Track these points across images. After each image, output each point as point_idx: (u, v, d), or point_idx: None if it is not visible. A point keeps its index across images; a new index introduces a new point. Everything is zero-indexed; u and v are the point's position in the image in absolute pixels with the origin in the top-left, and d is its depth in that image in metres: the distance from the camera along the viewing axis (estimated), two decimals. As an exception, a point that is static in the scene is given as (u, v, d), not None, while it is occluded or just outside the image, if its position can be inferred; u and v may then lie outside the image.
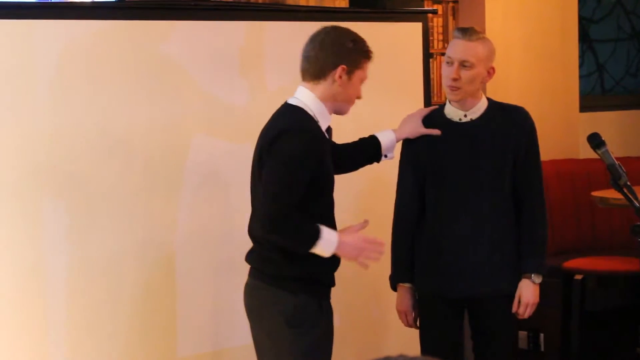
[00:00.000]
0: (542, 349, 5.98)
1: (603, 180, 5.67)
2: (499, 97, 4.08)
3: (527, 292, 3.93)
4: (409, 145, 4.05)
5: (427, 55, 4.89)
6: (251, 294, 3.64)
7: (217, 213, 4.17)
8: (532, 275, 3.94)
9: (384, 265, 4.20)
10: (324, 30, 3.61)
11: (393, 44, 4.69)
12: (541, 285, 3.98)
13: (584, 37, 7.52)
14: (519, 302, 3.94)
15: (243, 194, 3.70)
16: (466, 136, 3.94)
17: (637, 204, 3.55)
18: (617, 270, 5.76)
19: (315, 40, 3.60)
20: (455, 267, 3.94)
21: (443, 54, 6.57)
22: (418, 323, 4.09)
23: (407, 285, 4.07)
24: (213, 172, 4.22)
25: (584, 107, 6.99)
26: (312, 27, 4.56)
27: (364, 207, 4.72)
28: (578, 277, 5.68)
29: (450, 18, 6.65)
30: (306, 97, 3.58)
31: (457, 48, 3.88)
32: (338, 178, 3.81)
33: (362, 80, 3.63)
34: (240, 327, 3.71)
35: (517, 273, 3.95)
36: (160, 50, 4.14)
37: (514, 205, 3.96)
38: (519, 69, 6.46)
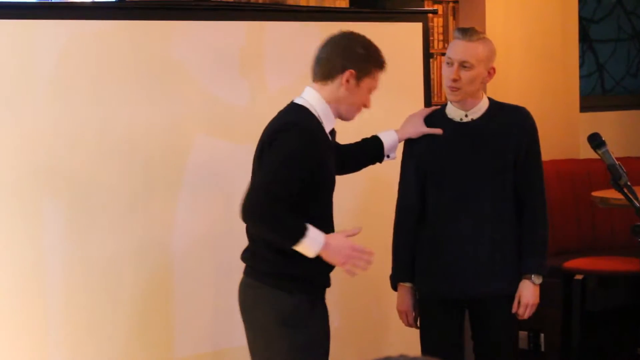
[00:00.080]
0: (543, 349, 5.98)
1: (603, 181, 5.67)
2: (499, 97, 4.08)
3: (527, 293, 3.93)
4: (411, 145, 4.05)
5: (428, 56, 4.89)
6: (245, 292, 3.63)
7: (217, 213, 4.17)
8: (533, 275, 3.94)
9: (385, 265, 4.20)
10: (339, 34, 3.61)
11: (393, 44, 4.68)
12: (541, 285, 3.98)
13: (585, 37, 7.52)
14: (519, 302, 3.94)
15: (243, 195, 3.69)
16: (467, 136, 3.94)
17: (638, 204, 3.55)
18: (617, 271, 5.76)
19: (329, 43, 3.60)
20: (455, 267, 3.94)
21: (443, 54, 6.57)
22: (418, 323, 4.09)
23: (407, 285, 4.07)
24: (213, 172, 4.21)
25: (585, 107, 6.99)
26: (312, 28, 4.58)
27: (364, 207, 4.72)
28: (578, 277, 5.68)
29: (451, 18, 6.65)
30: (312, 97, 3.58)
31: (457, 49, 3.89)
32: (339, 178, 3.81)
33: (370, 89, 3.61)
34: (239, 327, 3.71)
35: (518, 273, 3.95)
36: (160, 50, 4.14)
37: (514, 205, 3.96)
38: (519, 69, 6.45)
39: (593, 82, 7.70)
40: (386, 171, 4.25)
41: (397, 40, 4.75)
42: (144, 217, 4.09)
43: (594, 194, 5.73)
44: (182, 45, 4.18)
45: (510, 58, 6.30)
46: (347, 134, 3.97)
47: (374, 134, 4.02)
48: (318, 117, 3.56)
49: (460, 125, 3.97)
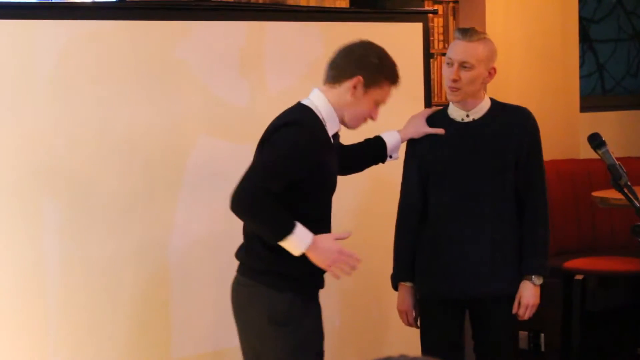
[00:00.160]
0: (543, 349, 5.98)
1: (603, 181, 5.67)
2: (499, 97, 4.08)
3: (527, 294, 3.93)
4: (413, 145, 4.06)
5: (428, 56, 4.89)
6: (238, 290, 3.64)
7: (217, 214, 4.16)
8: (533, 276, 3.94)
9: (385, 265, 4.20)
10: (358, 41, 3.61)
11: (393, 44, 4.67)
12: (541, 285, 3.98)
13: (585, 38, 7.52)
14: (519, 303, 3.94)
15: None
16: (468, 136, 3.95)
17: (638, 204, 3.55)
18: (617, 271, 5.76)
19: (345, 48, 3.60)
20: (456, 267, 3.94)
21: (443, 54, 6.59)
22: (419, 323, 4.09)
23: (408, 284, 4.07)
24: (213, 172, 4.21)
25: (585, 108, 6.99)
26: (312, 28, 4.58)
27: (366, 207, 4.72)
28: (578, 277, 5.68)
29: (451, 18, 6.66)
30: (318, 99, 3.58)
31: (457, 49, 3.89)
32: (341, 178, 3.82)
33: (378, 102, 3.59)
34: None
35: (518, 274, 3.95)
36: (160, 50, 4.14)
37: (516, 205, 3.96)
38: (519, 69, 6.46)
39: (593, 82, 7.70)
40: (388, 171, 4.25)
41: (397, 41, 4.74)
42: (144, 217, 4.09)
43: (594, 194, 5.73)
44: (182, 46, 4.18)
45: (510, 58, 6.30)
46: (350, 134, 3.97)
47: (376, 134, 4.02)
48: (322, 119, 3.55)
49: (462, 125, 3.97)
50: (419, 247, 4.04)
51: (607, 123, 7.20)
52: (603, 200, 5.58)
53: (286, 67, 4.45)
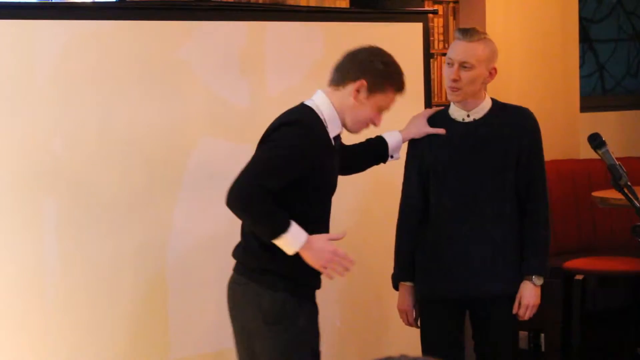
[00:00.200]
0: (543, 349, 5.99)
1: (603, 181, 5.68)
2: (499, 98, 4.08)
3: (528, 294, 3.93)
4: (414, 145, 4.07)
5: (428, 56, 4.89)
6: (232, 288, 3.64)
7: (217, 214, 4.16)
8: (533, 276, 3.94)
9: (386, 265, 4.20)
10: (366, 46, 3.61)
11: (393, 44, 4.67)
12: (542, 285, 3.98)
13: (585, 38, 7.52)
14: (520, 303, 3.94)
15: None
16: (469, 136, 3.95)
17: (638, 204, 3.55)
18: (617, 271, 5.76)
19: (352, 52, 3.60)
20: (456, 267, 3.94)
21: (444, 55, 6.59)
22: (419, 322, 4.09)
23: (408, 284, 4.07)
24: (214, 173, 4.21)
25: (585, 108, 7.00)
26: (313, 28, 4.58)
27: (367, 207, 4.72)
28: (579, 277, 5.68)
29: (451, 18, 6.65)
30: (321, 101, 3.58)
31: (457, 49, 3.89)
32: (342, 178, 3.82)
33: (381, 108, 3.58)
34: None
35: (519, 274, 3.95)
36: (160, 50, 4.14)
37: (516, 205, 3.96)
38: (519, 69, 6.46)
39: (593, 82, 7.70)
40: (389, 171, 4.25)
41: (398, 41, 4.74)
42: (144, 217, 4.09)
43: (594, 194, 5.73)
44: (182, 46, 4.18)
45: (511, 58, 6.30)
46: (351, 134, 3.97)
47: (377, 134, 4.02)
48: (323, 121, 3.55)
49: (463, 125, 3.97)
50: (419, 246, 4.04)
51: (607, 123, 7.20)
52: (603, 200, 5.58)
53: (286, 67, 4.45)
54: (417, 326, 4.10)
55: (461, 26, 5.40)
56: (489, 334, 4.00)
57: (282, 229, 3.42)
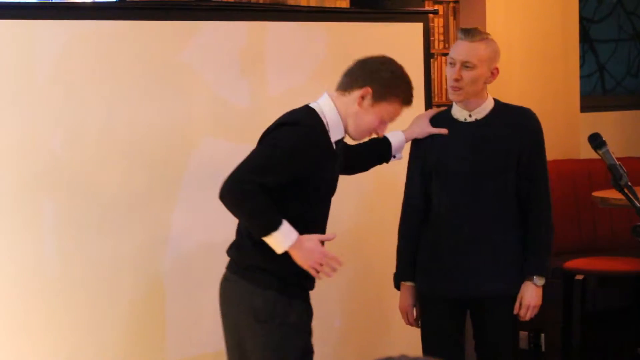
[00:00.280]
0: (543, 349, 5.99)
1: (604, 181, 5.68)
2: (500, 98, 4.08)
3: (529, 294, 3.93)
4: (417, 145, 4.08)
5: (428, 56, 4.89)
6: (224, 286, 3.64)
7: (218, 214, 4.16)
8: (535, 277, 3.94)
9: (386, 265, 4.20)
10: (377, 55, 3.60)
11: (394, 44, 4.69)
12: (543, 285, 3.97)
13: (585, 38, 7.53)
14: (521, 304, 3.94)
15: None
16: (470, 136, 3.95)
17: (638, 204, 3.55)
18: (617, 271, 5.76)
19: (361, 59, 3.60)
20: (457, 267, 3.94)
21: (444, 55, 6.61)
22: (420, 322, 4.10)
23: (409, 284, 4.08)
24: (214, 173, 4.20)
25: (585, 108, 7.00)
26: (313, 28, 4.58)
27: (369, 206, 4.72)
28: (579, 277, 5.68)
29: (451, 18, 6.65)
30: (325, 104, 3.58)
31: (459, 49, 3.90)
32: (345, 178, 3.82)
33: (384, 118, 3.57)
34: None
35: (520, 274, 3.95)
36: (160, 50, 4.14)
37: (518, 206, 3.96)
38: (519, 69, 6.46)
39: (593, 82, 7.71)
40: (391, 171, 4.25)
41: (398, 41, 4.75)
42: (144, 217, 4.09)
43: (595, 194, 5.73)
44: (183, 46, 4.18)
45: (511, 58, 6.30)
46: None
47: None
48: (326, 124, 3.55)
49: (464, 125, 3.98)
50: (420, 246, 4.04)
51: (608, 123, 7.21)
52: (603, 200, 5.58)
53: (287, 67, 4.45)
54: (417, 326, 4.10)
55: (462, 26, 5.40)
56: (489, 334, 4.00)
57: (273, 226, 3.42)
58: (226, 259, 3.69)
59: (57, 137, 3.89)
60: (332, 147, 3.57)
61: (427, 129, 4.04)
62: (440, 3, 6.62)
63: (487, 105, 3.98)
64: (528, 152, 3.95)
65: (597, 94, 7.70)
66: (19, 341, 3.85)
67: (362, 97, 3.54)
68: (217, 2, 4.55)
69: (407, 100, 3.59)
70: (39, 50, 3.86)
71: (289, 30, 4.49)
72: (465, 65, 3.87)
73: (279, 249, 3.46)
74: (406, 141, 4.07)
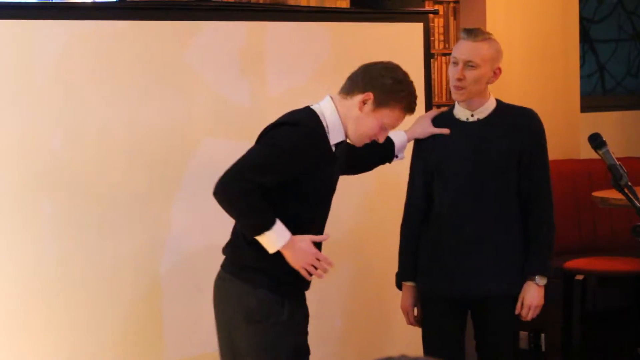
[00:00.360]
0: (543, 349, 5.99)
1: (604, 181, 5.68)
2: (500, 98, 4.08)
3: (531, 294, 3.93)
4: (419, 145, 4.09)
5: (428, 56, 4.89)
6: (217, 285, 3.65)
7: (217, 214, 4.16)
8: (537, 277, 3.94)
9: (387, 265, 4.20)
10: (382, 61, 3.59)
11: (394, 44, 4.69)
12: (544, 285, 3.97)
13: (585, 38, 7.53)
14: (522, 304, 3.94)
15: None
16: (472, 136, 3.95)
17: (638, 205, 3.55)
18: (618, 271, 5.76)
19: (366, 64, 3.59)
20: (458, 267, 3.94)
21: (444, 55, 6.61)
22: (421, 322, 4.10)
23: (410, 284, 4.08)
24: (214, 173, 4.20)
25: (585, 108, 7.00)
26: (313, 28, 4.58)
27: (371, 206, 4.72)
28: (579, 277, 5.68)
29: (451, 18, 6.66)
30: (327, 107, 3.57)
31: (462, 48, 3.90)
32: (348, 177, 3.81)
33: (384, 124, 3.55)
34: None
35: (521, 274, 3.95)
36: (160, 50, 4.14)
37: (519, 206, 3.96)
38: (520, 69, 6.46)
39: (594, 82, 7.71)
40: (393, 171, 4.26)
41: (398, 41, 4.75)
42: (144, 217, 4.09)
43: (595, 194, 5.73)
44: (183, 46, 4.18)
45: (511, 58, 6.30)
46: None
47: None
48: (325, 126, 3.55)
49: (467, 125, 3.98)
50: (422, 246, 4.05)
51: (608, 123, 7.21)
52: (603, 200, 5.58)
53: (287, 67, 4.45)
54: (419, 325, 4.10)
55: (462, 26, 5.40)
56: (490, 334, 4.00)
57: (266, 226, 3.43)
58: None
59: (57, 137, 3.89)
60: (331, 149, 3.57)
61: (429, 129, 4.04)
62: (440, 3, 6.62)
63: (490, 105, 3.98)
64: (530, 152, 3.95)
65: (597, 94, 7.70)
66: (19, 341, 3.85)
67: (364, 102, 3.53)
68: (217, 2, 4.55)
69: (409, 107, 3.58)
70: (39, 50, 3.86)
71: (288, 30, 4.49)
72: (468, 64, 3.88)
73: (271, 249, 3.46)
74: (408, 141, 4.07)
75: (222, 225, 3.63)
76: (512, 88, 6.24)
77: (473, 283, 3.94)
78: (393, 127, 3.61)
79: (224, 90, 4.28)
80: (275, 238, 3.45)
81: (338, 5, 6.03)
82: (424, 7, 6.30)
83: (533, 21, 6.59)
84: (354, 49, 4.50)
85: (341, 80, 3.62)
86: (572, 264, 5.76)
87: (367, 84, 3.53)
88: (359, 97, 3.53)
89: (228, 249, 3.64)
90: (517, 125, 3.96)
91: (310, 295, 3.71)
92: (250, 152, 3.50)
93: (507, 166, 3.93)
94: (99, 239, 3.98)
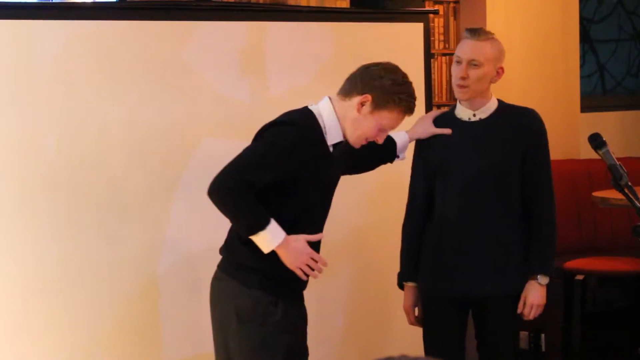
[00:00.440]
0: (543, 349, 5.99)
1: (604, 181, 5.68)
2: (500, 97, 4.08)
3: (533, 294, 3.93)
4: (421, 145, 4.09)
5: (429, 56, 4.89)
6: (213, 284, 3.65)
7: (217, 214, 4.16)
8: (539, 276, 3.94)
9: (389, 265, 4.20)
10: (381, 62, 3.57)
11: (394, 44, 4.69)
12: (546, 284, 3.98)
13: (585, 38, 7.53)
14: (524, 303, 3.94)
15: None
16: (474, 135, 3.96)
17: (638, 205, 3.55)
18: (618, 271, 5.76)
19: (365, 65, 3.58)
20: (460, 267, 3.94)
21: (444, 55, 6.61)
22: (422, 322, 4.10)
23: (412, 284, 4.08)
24: (214, 173, 4.20)
25: (585, 108, 7.00)
26: (313, 28, 4.58)
27: (372, 206, 4.72)
28: (579, 277, 5.68)
29: (452, 18, 6.66)
30: (325, 108, 3.56)
31: (466, 47, 3.91)
32: (349, 177, 3.80)
33: (384, 125, 3.54)
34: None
35: (523, 274, 3.95)
36: (160, 50, 4.14)
37: (521, 205, 3.96)
38: (520, 69, 6.46)
39: (594, 82, 7.71)
40: (395, 171, 4.26)
41: (398, 41, 4.75)
42: (144, 217, 4.09)
43: (595, 194, 5.73)
44: (183, 46, 4.18)
45: (511, 58, 6.29)
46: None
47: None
48: (323, 127, 3.54)
49: (468, 124, 3.98)
50: (423, 245, 4.05)
51: (608, 123, 7.21)
52: (604, 200, 5.58)
53: (287, 67, 4.45)
54: (420, 326, 4.10)
55: (462, 26, 5.40)
56: (490, 334, 4.00)
57: (261, 225, 3.42)
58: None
59: (57, 137, 3.89)
60: (328, 149, 3.56)
61: (430, 130, 4.05)
62: (440, 3, 6.62)
63: (491, 105, 3.99)
64: (532, 153, 3.95)
65: (597, 94, 7.70)
66: (19, 341, 3.85)
67: (362, 104, 3.52)
68: (217, 2, 4.55)
69: (408, 109, 3.56)
70: (39, 50, 3.86)
71: (289, 30, 4.49)
72: (472, 63, 3.89)
73: (266, 249, 3.46)
74: (410, 141, 4.07)
75: (221, 225, 3.62)
76: (512, 88, 6.24)
77: (474, 283, 3.94)
78: (392, 128, 3.60)
79: (224, 90, 4.28)
80: (269, 238, 3.44)
81: (338, 5, 6.03)
82: (424, 7, 6.30)
83: (533, 21, 6.59)
84: (354, 49, 4.50)
85: (341, 80, 3.61)
86: (572, 264, 5.76)
87: (365, 85, 3.52)
88: (357, 99, 3.52)
89: (224, 248, 3.64)
90: (519, 126, 3.97)
91: (310, 295, 3.71)
92: (246, 152, 3.50)
93: (509, 166, 3.94)
94: (98, 239, 3.98)
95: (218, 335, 3.64)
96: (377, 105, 3.51)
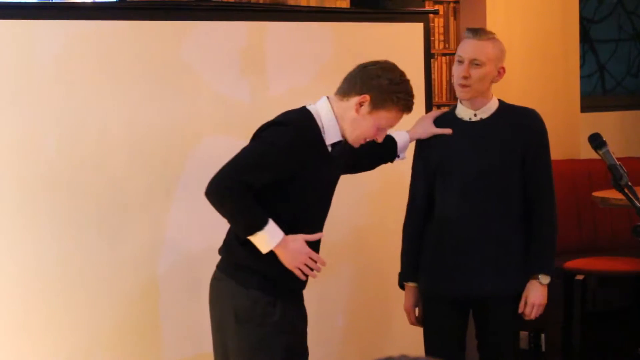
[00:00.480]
0: (543, 349, 5.99)
1: (604, 181, 5.68)
2: (500, 97, 4.08)
3: (534, 293, 3.93)
4: (421, 145, 4.09)
5: (429, 56, 4.90)
6: (212, 284, 3.65)
7: (217, 214, 4.17)
8: (540, 275, 3.94)
9: (389, 265, 4.20)
10: (379, 61, 3.56)
11: (394, 44, 4.69)
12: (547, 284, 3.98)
13: (585, 38, 7.53)
14: (526, 302, 3.94)
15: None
16: (475, 135, 3.96)
17: (638, 205, 3.55)
18: (618, 271, 5.76)
19: (362, 64, 3.57)
20: (460, 267, 3.95)
21: (444, 55, 6.61)
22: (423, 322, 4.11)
23: (413, 284, 4.08)
24: (213, 173, 4.21)
25: (585, 108, 7.00)
26: (313, 28, 4.58)
27: (373, 206, 4.72)
28: (579, 277, 5.68)
29: (452, 18, 6.66)
30: (323, 108, 3.56)
31: (468, 47, 3.92)
32: (350, 177, 3.80)
33: (382, 125, 3.54)
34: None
35: (524, 273, 3.95)
36: (160, 50, 4.14)
37: (522, 205, 3.96)
38: (520, 69, 6.46)
39: (594, 82, 7.71)
40: (395, 171, 4.26)
41: (398, 41, 4.75)
42: (144, 217, 4.09)
43: (595, 194, 5.73)
44: (183, 46, 4.18)
45: (511, 58, 6.28)
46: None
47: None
48: (321, 127, 3.54)
49: (469, 124, 3.98)
50: (424, 246, 4.05)
51: (608, 123, 7.21)
52: (604, 200, 5.58)
53: (287, 67, 4.45)
54: (420, 326, 4.10)
55: (462, 26, 5.40)
56: (491, 333, 4.00)
57: (259, 226, 3.42)
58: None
59: (57, 137, 3.89)
60: (326, 149, 3.55)
61: (431, 129, 4.05)
62: (440, 3, 6.62)
63: (492, 105, 3.99)
64: (532, 153, 3.95)
65: (597, 94, 7.70)
66: (19, 341, 3.85)
67: (360, 104, 3.51)
68: (217, 2, 4.55)
69: (406, 108, 3.55)
70: (39, 50, 3.86)
71: (289, 30, 4.49)
72: (473, 62, 3.89)
73: (264, 249, 3.46)
74: (410, 141, 4.07)
75: (221, 225, 3.62)
76: (512, 88, 6.24)
77: (474, 283, 3.94)
78: (390, 127, 3.60)
79: (224, 90, 4.28)
80: (267, 238, 3.44)
81: (338, 5, 6.03)
82: (424, 7, 6.30)
83: (533, 21, 6.59)
84: (354, 49, 4.49)
85: (341, 80, 3.61)
86: (573, 264, 5.76)
87: (363, 85, 3.51)
88: (355, 99, 3.52)
89: (223, 249, 3.64)
90: (519, 126, 3.97)
91: (310, 295, 3.71)
92: (243, 152, 3.50)
93: (509, 166, 3.94)
94: (98, 239, 3.98)
95: (217, 335, 3.64)
96: (376, 105, 3.51)
